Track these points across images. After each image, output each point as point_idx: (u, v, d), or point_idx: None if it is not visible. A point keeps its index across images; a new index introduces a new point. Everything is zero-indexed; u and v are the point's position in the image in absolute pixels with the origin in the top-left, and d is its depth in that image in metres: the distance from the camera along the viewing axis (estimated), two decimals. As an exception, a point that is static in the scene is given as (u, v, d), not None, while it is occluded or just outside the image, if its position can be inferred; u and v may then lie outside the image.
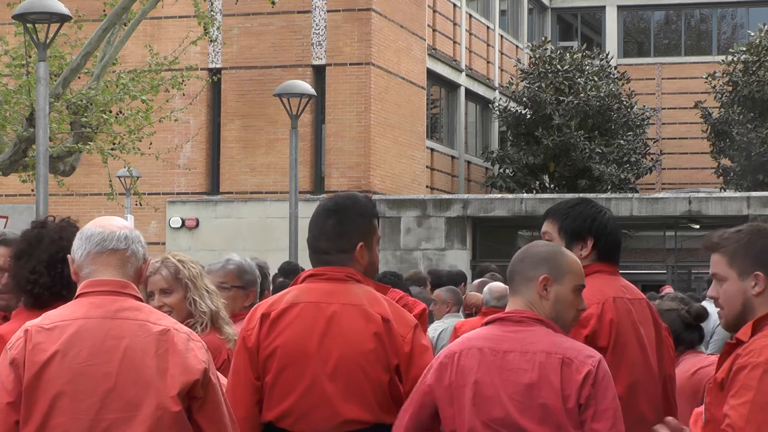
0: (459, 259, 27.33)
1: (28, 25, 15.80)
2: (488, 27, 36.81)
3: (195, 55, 26.16)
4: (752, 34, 35.51)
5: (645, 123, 35.18)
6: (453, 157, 34.10)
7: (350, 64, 28.43)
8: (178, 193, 29.38)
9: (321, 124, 28.91)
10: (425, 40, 31.40)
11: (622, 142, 33.92)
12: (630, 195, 29.36)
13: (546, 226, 4.94)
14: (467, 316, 11.12)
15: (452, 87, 34.19)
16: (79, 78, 19.91)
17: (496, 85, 36.80)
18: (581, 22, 43.31)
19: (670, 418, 4.15)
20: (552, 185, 34.14)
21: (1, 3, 22.31)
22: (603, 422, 4.08)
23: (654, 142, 38.13)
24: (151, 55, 20.77)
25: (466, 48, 34.70)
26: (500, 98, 36.02)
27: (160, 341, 3.90)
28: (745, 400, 3.75)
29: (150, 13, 20.21)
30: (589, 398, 4.09)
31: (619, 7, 42.30)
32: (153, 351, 3.88)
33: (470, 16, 35.24)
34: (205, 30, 20.16)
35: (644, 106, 36.25)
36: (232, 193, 29.12)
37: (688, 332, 6.50)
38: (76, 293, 4.02)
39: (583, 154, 32.93)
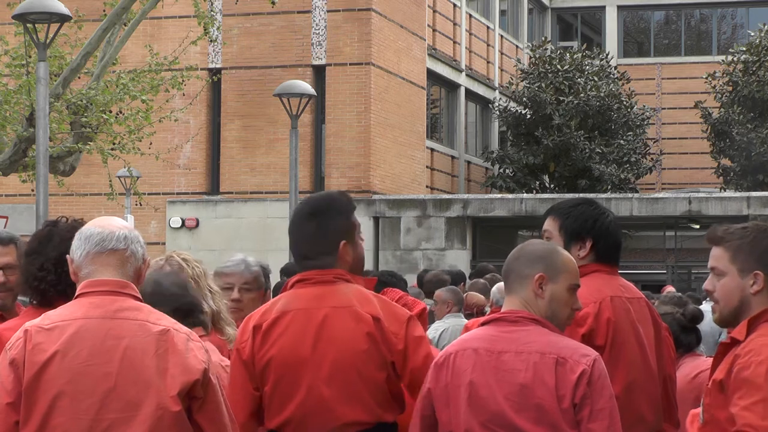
0: (459, 259, 27.33)
1: (28, 25, 15.79)
2: (488, 27, 36.81)
3: (195, 55, 26.16)
4: (752, 34, 35.52)
5: (645, 123, 35.18)
6: (453, 157, 34.10)
7: (350, 64, 28.43)
8: (178, 193, 29.38)
9: (321, 124, 28.91)
10: (425, 40, 31.40)
11: (622, 142, 33.92)
12: (630, 195, 29.37)
13: (547, 224, 4.94)
14: (468, 316, 11.11)
15: (452, 87, 34.19)
16: (79, 78, 19.91)
17: (496, 85, 36.80)
18: (581, 22, 43.31)
19: None
20: (552, 185, 34.14)
21: (1, 3, 22.30)
22: (599, 422, 4.07)
23: (654, 142, 38.13)
24: (151, 55, 20.77)
25: (466, 48, 34.70)
26: (500, 98, 36.02)
27: (160, 341, 3.90)
28: (757, 398, 3.75)
29: (150, 13, 20.21)
30: (585, 398, 4.08)
31: (619, 7, 42.30)
32: (153, 351, 3.88)
33: (470, 16, 35.24)
34: (205, 30, 20.16)
35: (644, 106, 36.25)
36: (232, 193, 29.12)
37: (685, 335, 6.51)
38: (76, 293, 4.03)
39: (583, 154, 32.93)
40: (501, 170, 34.16)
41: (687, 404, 5.77)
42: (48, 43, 15.83)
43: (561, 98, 33.12)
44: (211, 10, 22.63)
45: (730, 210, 26.99)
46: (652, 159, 36.60)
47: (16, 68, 19.77)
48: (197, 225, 29.05)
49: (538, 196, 29.86)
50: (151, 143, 21.64)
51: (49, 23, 15.73)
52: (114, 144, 20.35)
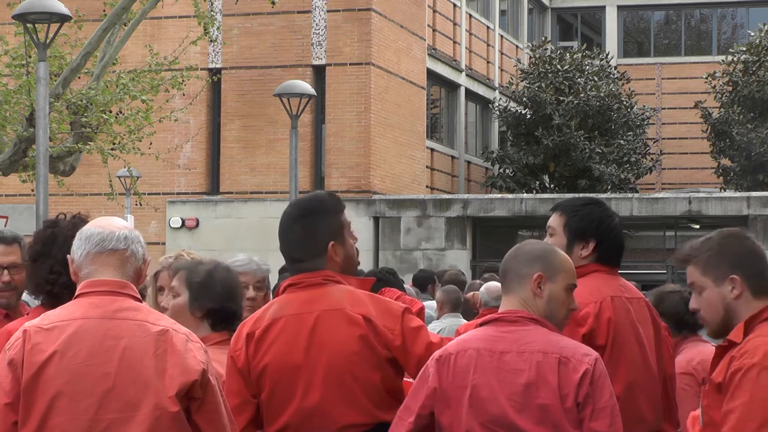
0: (459, 259, 27.33)
1: (28, 25, 15.79)
2: (488, 27, 36.82)
3: (195, 55, 26.16)
4: (752, 34, 35.53)
5: (645, 123, 35.18)
6: (453, 157, 34.11)
7: (350, 64, 28.43)
8: (178, 193, 29.38)
9: (321, 124, 28.91)
10: (425, 40, 31.40)
11: (622, 142, 33.92)
12: (630, 195, 29.37)
13: (552, 220, 4.93)
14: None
15: (452, 87, 34.19)
16: (79, 78, 19.90)
17: (496, 85, 36.80)
18: (581, 22, 43.31)
19: None
20: (552, 185, 34.14)
21: (1, 3, 22.30)
22: (601, 421, 4.08)
23: (654, 142, 38.13)
24: (151, 55, 20.76)
25: (466, 48, 34.70)
26: (500, 98, 36.02)
27: (159, 341, 3.90)
28: (744, 401, 3.76)
29: (150, 13, 20.20)
30: (587, 397, 4.09)
31: (619, 7, 42.30)
32: (152, 351, 3.88)
33: (470, 16, 35.24)
34: (205, 30, 20.16)
35: (644, 106, 36.25)
36: (232, 193, 29.12)
37: (690, 315, 6.52)
38: (76, 293, 4.02)
39: (583, 154, 32.93)
40: (501, 170, 34.16)
41: (689, 387, 5.79)
42: (48, 43, 15.82)
43: (561, 98, 33.11)
44: (211, 10, 22.62)
45: (730, 210, 26.99)
46: (652, 159, 36.60)
47: (16, 68, 19.76)
48: (197, 225, 29.04)
49: (538, 196, 29.85)
50: (151, 143, 21.64)
51: (49, 23, 15.72)
52: (114, 144, 20.34)
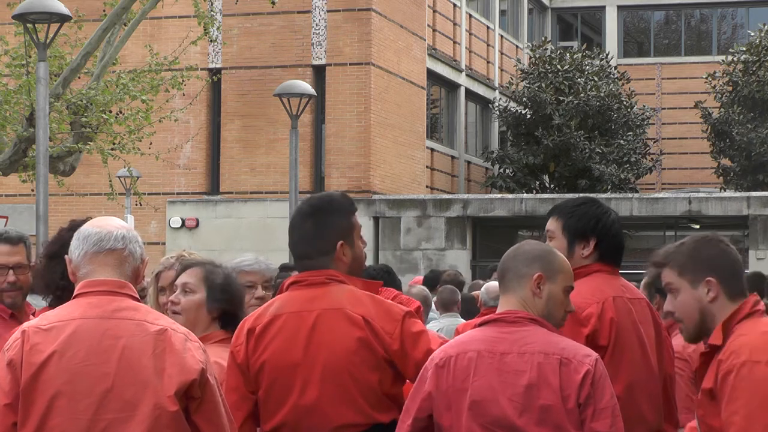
0: (459, 259, 27.34)
1: (28, 25, 15.79)
2: (488, 27, 36.82)
3: (195, 55, 26.16)
4: (752, 34, 35.53)
5: (645, 123, 35.18)
6: (453, 157, 34.11)
7: (350, 64, 28.43)
8: (178, 193, 29.38)
9: (321, 124, 28.91)
10: (425, 40, 31.40)
11: (622, 142, 33.92)
12: (630, 195, 29.37)
13: (550, 224, 4.93)
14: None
15: (452, 87, 34.19)
16: (79, 78, 19.90)
17: (496, 85, 36.80)
18: (581, 22, 43.31)
19: None
20: (552, 185, 34.14)
21: (1, 3, 22.30)
22: (602, 421, 4.08)
23: (654, 142, 38.13)
24: (151, 55, 20.76)
25: (466, 48, 34.70)
26: (500, 98, 36.02)
27: (158, 341, 3.89)
28: (744, 402, 3.76)
29: (150, 13, 20.20)
30: (588, 398, 4.09)
31: (619, 7, 42.30)
32: (150, 351, 3.88)
33: (470, 16, 35.24)
34: (205, 30, 20.16)
35: (644, 106, 36.25)
36: (232, 193, 29.12)
37: None
38: (74, 293, 4.02)
39: (583, 154, 32.93)
40: (501, 170, 34.16)
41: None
42: (48, 43, 15.82)
43: (561, 98, 33.11)
44: (211, 10, 22.62)
45: (730, 210, 26.99)
46: (652, 159, 36.60)
47: (16, 68, 19.76)
48: (197, 225, 29.05)
49: (538, 196, 29.85)
50: (151, 143, 21.64)
51: (49, 23, 15.72)
52: (114, 144, 20.34)
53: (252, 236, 27.94)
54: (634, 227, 29.14)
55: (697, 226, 28.33)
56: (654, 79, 41.28)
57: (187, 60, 22.84)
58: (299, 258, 4.63)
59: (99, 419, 3.83)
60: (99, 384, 3.84)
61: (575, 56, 34.14)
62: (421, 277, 14.60)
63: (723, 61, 35.62)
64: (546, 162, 33.43)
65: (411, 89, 30.47)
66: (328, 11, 28.61)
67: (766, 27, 34.77)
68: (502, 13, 38.40)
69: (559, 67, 33.68)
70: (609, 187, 32.89)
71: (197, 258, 5.30)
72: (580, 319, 4.61)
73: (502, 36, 37.79)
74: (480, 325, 4.34)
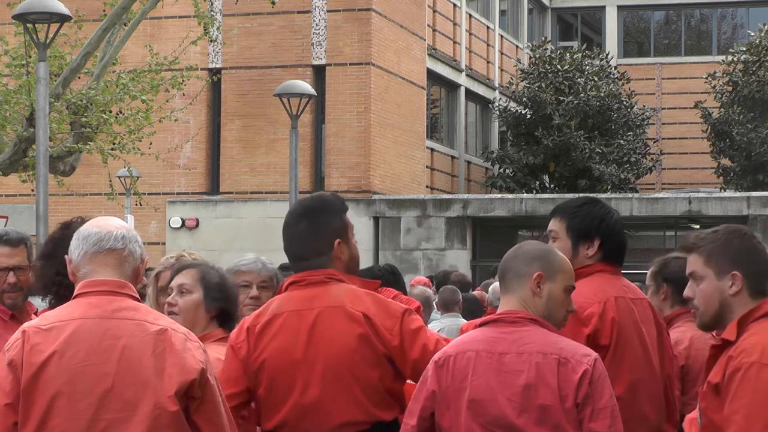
0: (459, 259, 27.34)
1: (28, 25, 15.79)
2: (488, 27, 36.82)
3: (195, 55, 26.16)
4: (752, 34, 35.54)
5: (645, 123, 35.19)
6: (453, 157, 34.11)
7: (350, 64, 28.43)
8: (178, 193, 29.38)
9: (321, 124, 28.91)
10: (425, 40, 31.40)
11: (622, 142, 33.93)
12: (630, 195, 29.37)
13: (552, 225, 4.93)
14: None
15: (452, 87, 34.19)
16: (79, 78, 19.90)
17: (496, 85, 36.80)
18: (581, 22, 43.31)
19: None
20: (552, 185, 34.14)
21: (1, 3, 22.30)
22: (601, 421, 4.08)
23: (654, 142, 38.13)
24: (151, 55, 20.76)
25: (466, 48, 34.70)
26: (500, 98, 36.02)
27: (158, 341, 3.90)
28: (747, 401, 3.75)
29: (150, 13, 20.20)
30: (587, 397, 4.09)
31: (619, 7, 42.30)
32: (150, 351, 3.88)
33: (470, 16, 35.24)
34: (205, 30, 20.16)
35: (644, 106, 36.25)
36: (232, 193, 29.12)
37: None
38: (74, 293, 4.02)
39: (583, 154, 32.93)
40: (501, 170, 34.17)
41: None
42: (48, 43, 15.83)
43: (561, 98, 33.11)
44: (211, 10, 22.62)
45: (730, 210, 26.99)
46: (652, 159, 36.60)
47: (16, 68, 19.76)
48: (197, 225, 29.05)
49: (538, 196, 29.85)
50: (151, 143, 21.64)
51: (49, 23, 15.72)
52: (114, 144, 20.34)
53: (252, 236, 27.94)
54: (634, 227, 29.13)
55: (697, 226, 28.32)
56: (654, 79, 41.28)
57: (187, 60, 22.84)
58: (295, 259, 4.64)
59: (99, 419, 3.83)
60: (99, 384, 3.84)
61: (575, 56, 34.14)
62: (422, 277, 14.63)
63: (723, 61, 35.62)
64: (546, 162, 33.43)
65: (411, 89, 30.48)
66: (328, 11, 28.61)
67: (766, 27, 34.77)
68: (502, 13, 38.40)
69: (559, 67, 33.68)
70: (609, 187, 32.89)
71: (188, 259, 5.31)
72: (582, 319, 4.62)
73: (502, 36, 37.79)
74: (480, 325, 4.34)
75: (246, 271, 5.56)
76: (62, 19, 15.74)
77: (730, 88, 34.90)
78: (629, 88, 35.87)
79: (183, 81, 20.99)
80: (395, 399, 4.51)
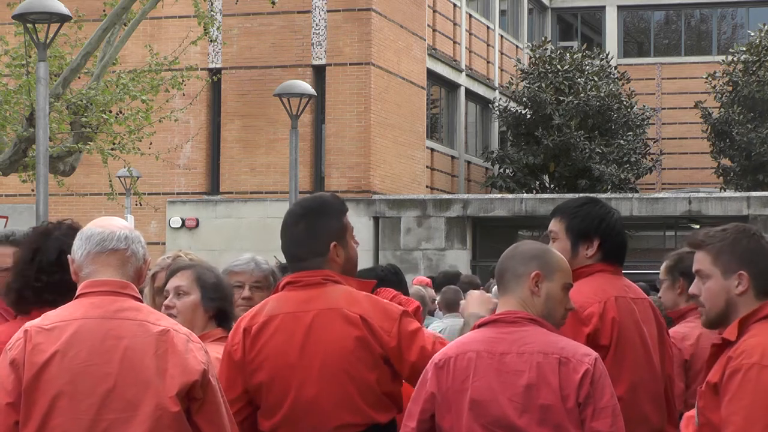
0: (459, 259, 27.33)
1: (28, 25, 15.79)
2: (488, 27, 36.82)
3: (195, 55, 26.16)
4: (752, 34, 35.54)
5: (645, 123, 35.18)
6: (453, 157, 34.11)
7: (350, 64, 28.43)
8: (178, 193, 29.38)
9: (321, 124, 28.91)
10: (425, 40, 31.40)
11: (622, 142, 33.92)
12: (630, 195, 29.37)
13: (553, 225, 4.93)
14: None
15: (452, 87, 34.19)
16: (79, 78, 19.90)
17: (496, 85, 36.80)
18: (581, 22, 43.31)
19: None
20: (552, 185, 34.14)
21: (1, 3, 22.30)
22: (602, 420, 4.08)
23: (654, 142, 38.13)
24: (151, 55, 20.76)
25: (466, 48, 34.70)
26: (500, 98, 36.02)
27: (160, 341, 3.90)
28: (746, 403, 3.75)
29: (150, 13, 20.20)
30: (588, 397, 4.09)
31: (619, 7, 42.30)
32: (152, 351, 3.88)
33: (470, 16, 35.24)
34: (205, 30, 20.16)
35: (644, 106, 36.25)
36: (232, 193, 29.12)
37: None
38: (76, 293, 4.02)
39: (583, 154, 32.93)
40: (501, 170, 34.17)
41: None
42: (48, 43, 15.82)
43: (561, 98, 33.11)
44: (211, 10, 22.62)
45: (730, 210, 26.98)
46: (652, 159, 36.60)
47: (16, 68, 19.76)
48: (197, 225, 29.05)
49: (538, 196, 29.85)
50: (151, 143, 21.64)
51: (49, 23, 15.72)
52: (114, 144, 20.34)
53: (252, 236, 27.94)
54: (634, 227, 29.13)
55: (697, 226, 28.32)
56: (654, 79, 41.28)
57: (187, 60, 22.84)
58: (292, 260, 4.64)
59: (100, 419, 3.83)
60: (101, 384, 3.84)
61: (575, 56, 34.14)
62: (422, 277, 14.63)
63: (723, 61, 35.62)
64: (546, 162, 33.43)
65: (411, 89, 30.48)
66: (328, 11, 28.61)
67: (766, 27, 34.77)
68: (502, 13, 38.40)
69: (559, 67, 33.68)
70: (609, 187, 32.89)
71: (184, 260, 5.31)
72: (582, 319, 4.62)
73: (502, 36, 37.80)
74: (480, 325, 4.34)
75: (239, 271, 5.58)
76: (62, 19, 15.74)
77: (730, 88, 34.90)
78: (629, 88, 35.87)
79: (183, 81, 20.98)
80: (392, 401, 4.51)
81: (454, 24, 34.06)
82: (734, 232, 4.01)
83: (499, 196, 29.91)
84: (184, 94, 24.51)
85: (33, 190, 16.83)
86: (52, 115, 18.33)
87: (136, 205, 26.17)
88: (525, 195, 29.66)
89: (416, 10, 30.73)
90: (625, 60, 41.31)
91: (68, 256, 4.10)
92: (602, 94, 33.34)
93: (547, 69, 33.79)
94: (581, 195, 26.52)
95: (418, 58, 30.94)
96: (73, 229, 4.45)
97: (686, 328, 5.95)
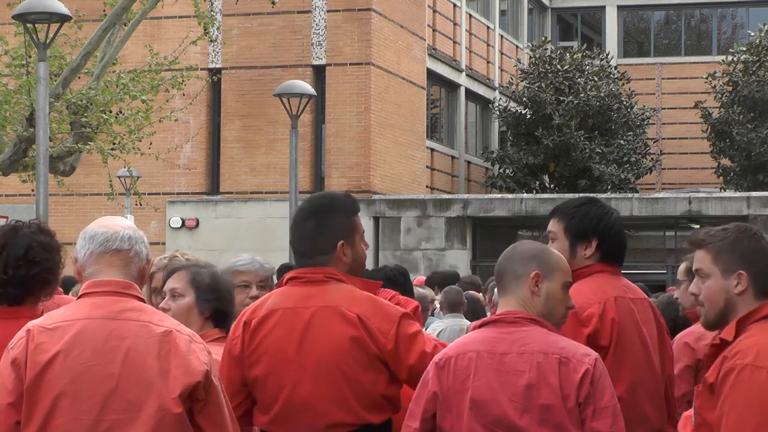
0: (459, 259, 27.33)
1: (28, 25, 15.79)
2: (488, 27, 36.81)
3: (195, 55, 26.16)
4: (752, 34, 35.54)
5: (645, 123, 35.18)
6: (453, 157, 34.11)
7: (350, 64, 28.43)
8: (178, 193, 29.38)
9: (321, 124, 28.91)
10: (425, 40, 31.40)
11: (622, 142, 33.92)
12: (630, 195, 29.37)
13: (551, 225, 4.93)
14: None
15: (452, 87, 34.19)
16: (79, 78, 19.91)
17: (496, 85, 36.80)
18: (581, 22, 43.31)
19: None
20: (552, 185, 34.14)
21: (1, 3, 22.30)
22: (603, 420, 4.09)
23: (654, 142, 38.13)
24: (151, 55, 20.77)
25: (466, 48, 34.70)
26: (500, 98, 36.01)
27: (163, 342, 3.89)
28: (738, 404, 3.75)
29: (150, 13, 20.21)
30: (588, 397, 4.09)
31: (619, 7, 42.30)
32: (155, 352, 3.88)
33: (470, 16, 35.24)
34: (205, 30, 20.16)
35: (644, 106, 36.25)
36: (232, 193, 29.12)
37: None
38: (79, 293, 4.02)
39: (583, 154, 32.93)
40: (501, 170, 34.16)
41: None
42: (48, 43, 15.83)
43: (561, 98, 33.11)
44: (211, 10, 22.62)
45: (730, 210, 26.98)
46: (652, 159, 36.60)
47: (16, 68, 19.77)
48: (197, 225, 29.04)
49: (538, 196, 29.85)
50: (151, 143, 21.64)
51: (49, 23, 15.72)
52: (114, 144, 20.35)
53: (252, 236, 27.94)
54: (634, 227, 29.13)
55: (697, 226, 28.30)
56: (654, 79, 41.28)
57: (187, 60, 22.84)
58: (299, 256, 4.65)
59: (102, 420, 3.83)
60: (103, 384, 3.84)
61: (575, 56, 34.14)
62: (423, 277, 14.64)
63: (723, 61, 35.62)
64: (546, 162, 33.43)
65: (411, 89, 30.48)
66: (328, 11, 28.61)
67: (766, 27, 34.77)
68: (502, 13, 38.39)
69: (559, 67, 33.68)
70: (609, 187, 32.89)
71: (180, 260, 5.30)
72: (582, 319, 4.62)
73: (502, 36, 37.79)
74: (481, 326, 4.34)
75: (244, 271, 5.56)
76: (62, 19, 15.74)
77: (730, 88, 34.90)
78: (629, 88, 35.87)
79: (183, 81, 20.99)
80: (389, 402, 4.50)
81: (454, 24, 34.06)
82: (735, 232, 4.01)
83: (499, 196, 29.91)
84: (184, 94, 24.52)
85: (33, 190, 16.83)
86: (52, 115, 18.33)
87: (136, 205, 26.17)
88: (525, 195, 29.66)
89: (416, 10, 30.73)
90: (625, 60, 41.30)
91: (72, 255, 4.09)
92: (602, 94, 33.34)
93: (547, 69, 33.79)
94: (581, 195, 26.52)
95: (418, 58, 30.94)
96: (41, 229, 4.48)
97: (702, 328, 5.96)
